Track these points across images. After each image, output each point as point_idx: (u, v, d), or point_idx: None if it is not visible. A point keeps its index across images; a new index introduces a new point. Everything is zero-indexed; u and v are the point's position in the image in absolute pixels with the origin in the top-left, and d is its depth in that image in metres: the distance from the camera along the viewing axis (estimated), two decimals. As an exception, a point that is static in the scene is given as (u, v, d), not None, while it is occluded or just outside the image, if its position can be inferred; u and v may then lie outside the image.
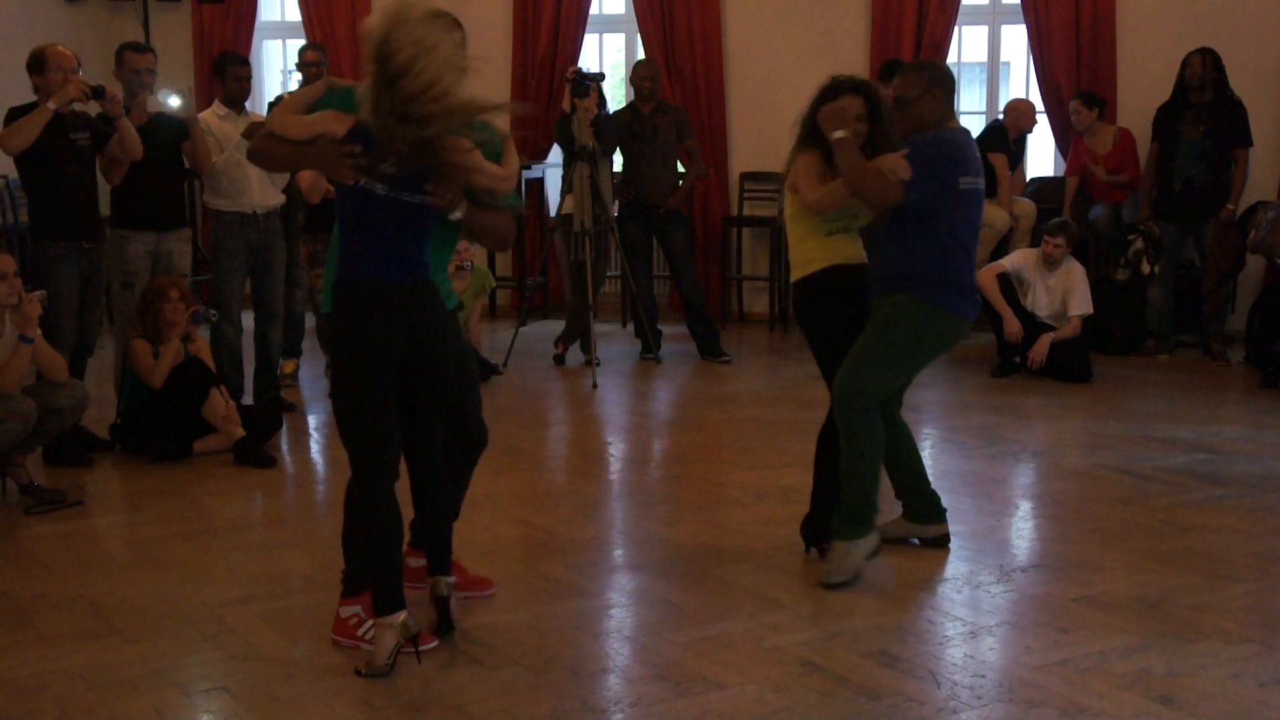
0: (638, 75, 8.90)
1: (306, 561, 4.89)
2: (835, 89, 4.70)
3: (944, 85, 4.73)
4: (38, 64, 6.12)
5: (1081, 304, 8.16)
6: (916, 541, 4.99)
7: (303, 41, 10.60)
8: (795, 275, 4.83)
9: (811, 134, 4.69)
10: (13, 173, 7.14)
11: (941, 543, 4.96)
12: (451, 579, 4.13)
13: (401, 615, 3.82)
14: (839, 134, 4.54)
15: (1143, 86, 9.15)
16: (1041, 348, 8.05)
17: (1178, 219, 8.67)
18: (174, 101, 6.63)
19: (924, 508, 4.98)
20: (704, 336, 8.80)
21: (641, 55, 10.17)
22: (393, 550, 3.86)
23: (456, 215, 3.84)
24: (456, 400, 4.12)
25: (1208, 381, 8.11)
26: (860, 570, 4.58)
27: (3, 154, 6.16)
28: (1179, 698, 3.67)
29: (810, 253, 4.75)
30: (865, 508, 4.60)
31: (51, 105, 5.95)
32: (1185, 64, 8.55)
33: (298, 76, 8.83)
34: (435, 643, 3.99)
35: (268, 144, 3.87)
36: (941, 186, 4.57)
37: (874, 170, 4.55)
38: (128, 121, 6.25)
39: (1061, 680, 3.79)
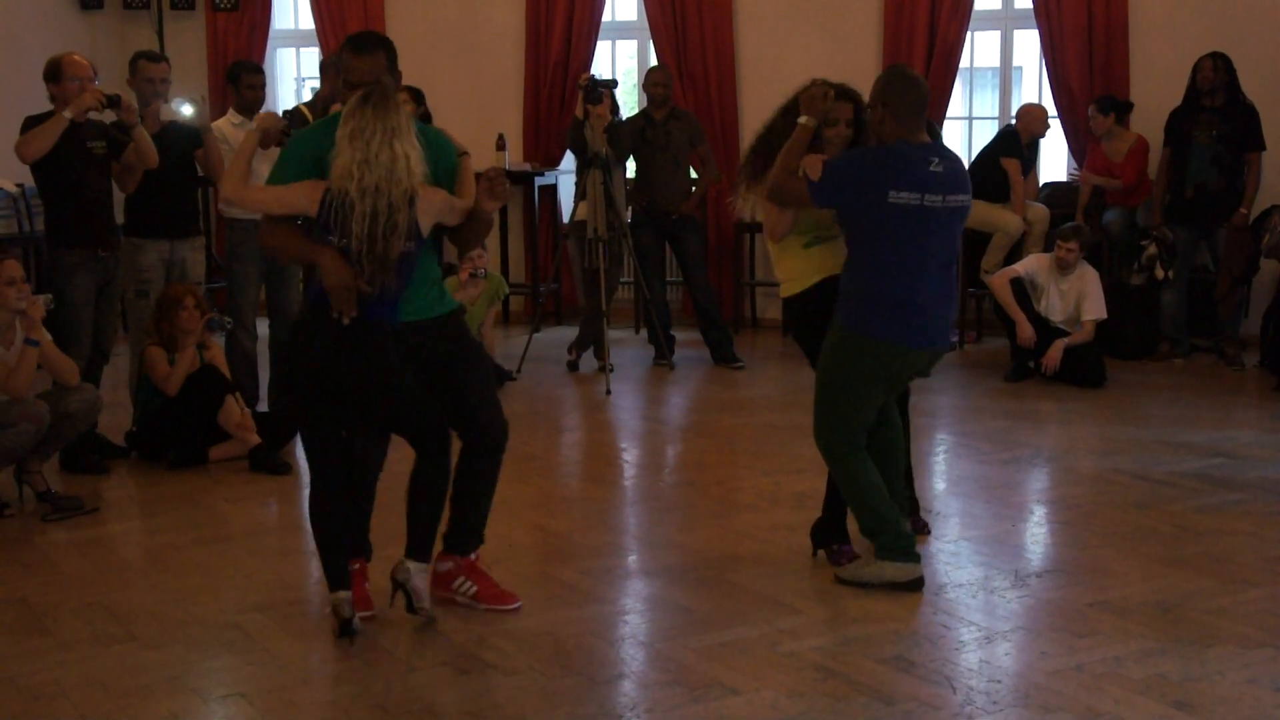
0: (650, 81, 8.92)
1: (321, 568, 4.89)
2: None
3: (895, 99, 4.46)
4: (54, 73, 6.15)
5: (1095, 308, 8.14)
6: None
7: (316, 50, 10.66)
8: (785, 292, 4.80)
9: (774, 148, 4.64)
10: (29, 181, 7.20)
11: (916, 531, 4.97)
12: (418, 565, 4.28)
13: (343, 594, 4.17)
14: (803, 119, 4.52)
15: (1155, 91, 9.13)
16: (1055, 353, 8.04)
17: (1191, 223, 8.65)
18: (187, 110, 6.65)
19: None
20: (717, 342, 8.81)
21: (654, 62, 10.18)
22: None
23: None
24: (465, 392, 4.33)
25: (1222, 386, 8.09)
26: (876, 584, 4.56)
27: (19, 162, 6.19)
28: (1195, 703, 3.67)
29: (794, 269, 4.74)
30: (892, 536, 4.55)
31: (68, 114, 5.98)
32: (1197, 68, 8.53)
33: (312, 85, 8.86)
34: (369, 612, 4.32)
35: (271, 240, 4.22)
36: (861, 200, 4.42)
37: (790, 168, 4.52)
38: (144, 130, 6.28)
39: (1077, 685, 3.79)
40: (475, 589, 4.41)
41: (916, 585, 4.55)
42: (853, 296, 4.51)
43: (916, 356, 4.57)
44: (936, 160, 4.47)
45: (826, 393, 4.56)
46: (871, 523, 4.58)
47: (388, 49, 4.35)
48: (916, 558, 4.59)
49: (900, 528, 4.58)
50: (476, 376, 4.36)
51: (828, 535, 4.88)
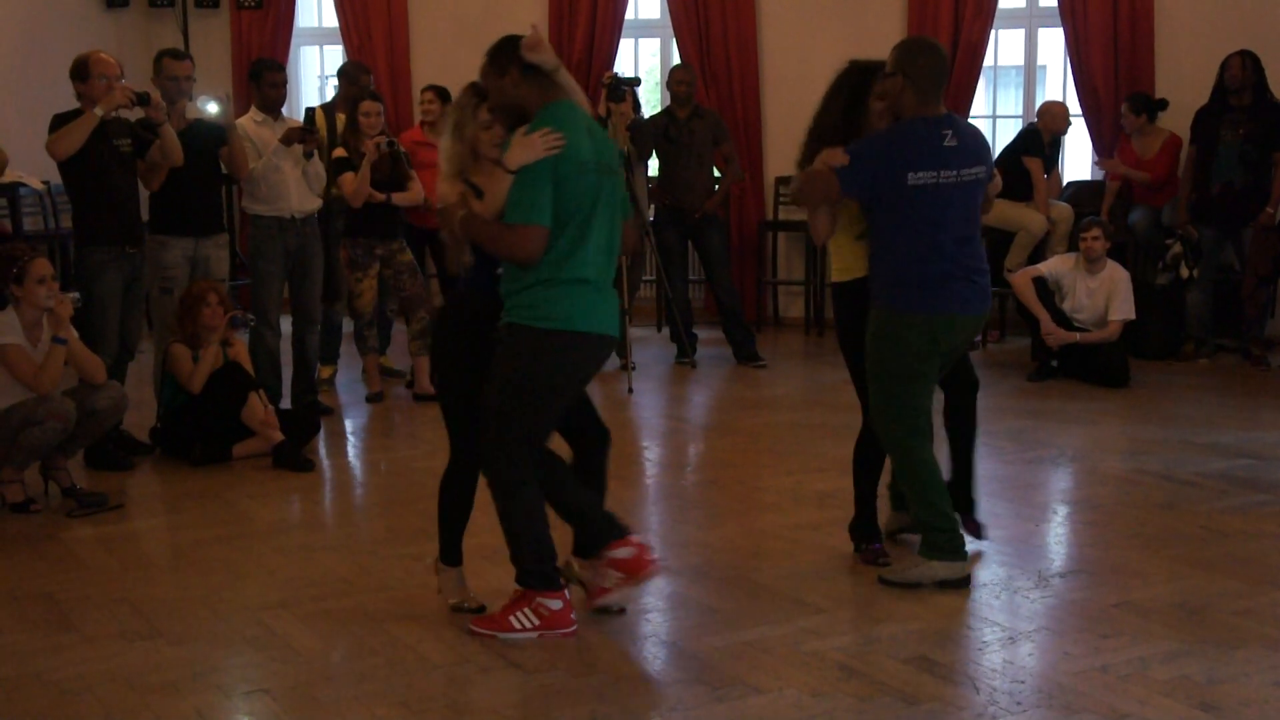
0: (673, 80, 8.92)
1: (345, 564, 4.92)
2: (865, 75, 4.61)
3: (913, 68, 4.42)
4: (81, 71, 6.18)
5: (1124, 308, 8.10)
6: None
7: (340, 48, 10.68)
8: (836, 278, 4.81)
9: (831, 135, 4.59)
10: (55, 179, 7.23)
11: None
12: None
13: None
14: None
15: (1181, 89, 9.08)
16: (1065, 335, 8.00)
17: (1216, 223, 8.61)
18: (212, 108, 6.68)
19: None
20: (739, 341, 8.80)
21: (677, 60, 10.18)
22: None
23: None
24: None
25: (1247, 386, 8.05)
26: (922, 584, 4.54)
27: (45, 160, 6.23)
28: (1220, 704, 3.65)
29: (848, 258, 4.71)
30: (942, 533, 4.54)
31: (98, 111, 6.01)
32: (1224, 66, 8.49)
33: (334, 83, 8.88)
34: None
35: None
36: (883, 182, 4.41)
37: (812, 169, 4.52)
38: (170, 127, 6.30)
39: (1101, 686, 3.77)
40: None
41: (964, 583, 4.55)
42: (887, 280, 4.50)
43: (963, 323, 4.55)
44: (950, 134, 4.46)
45: (881, 381, 4.54)
46: (928, 516, 4.55)
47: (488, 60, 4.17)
48: (966, 555, 4.58)
49: (955, 525, 4.58)
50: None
51: (865, 535, 4.87)
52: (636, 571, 4.14)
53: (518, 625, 4.11)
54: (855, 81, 4.62)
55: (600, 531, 4.17)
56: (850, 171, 4.42)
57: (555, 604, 4.12)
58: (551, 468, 4.14)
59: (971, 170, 4.49)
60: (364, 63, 9.41)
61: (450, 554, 4.38)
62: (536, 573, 4.12)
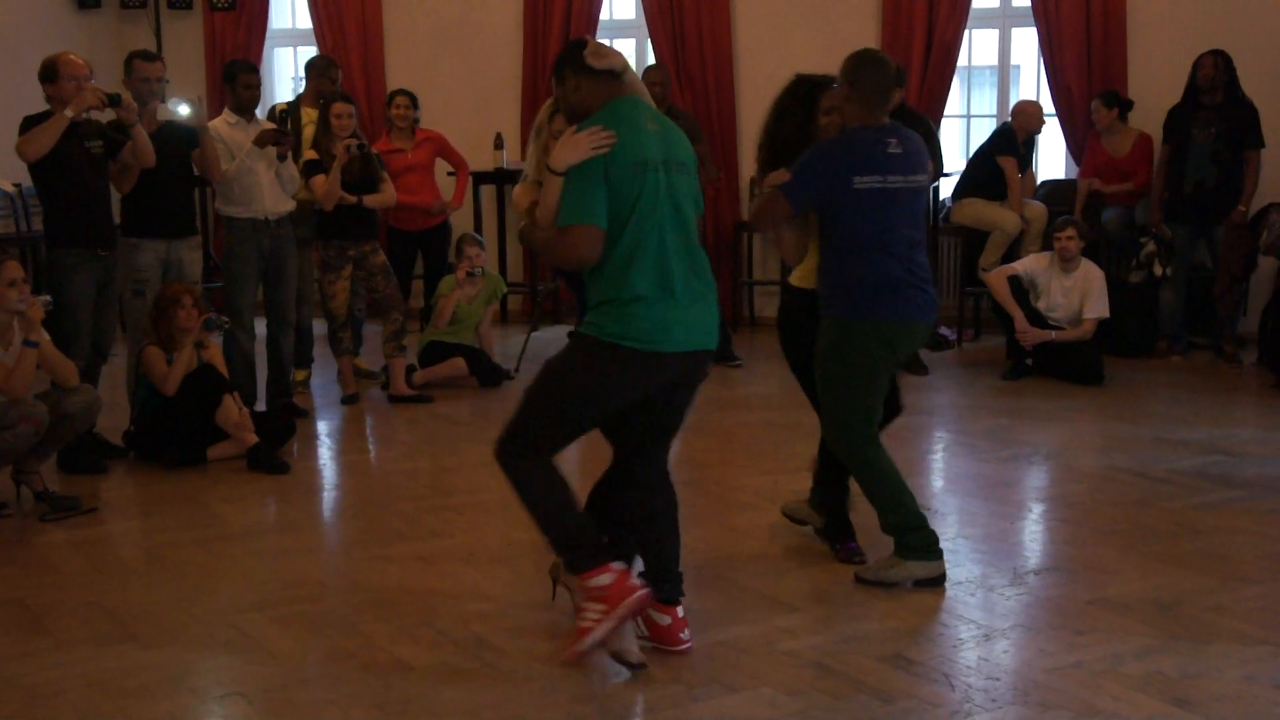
0: (648, 80, 8.87)
1: (320, 567, 4.91)
2: (814, 88, 4.68)
3: (862, 78, 4.50)
4: (50, 73, 6.15)
5: (1098, 307, 8.14)
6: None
7: (314, 49, 10.64)
8: (797, 283, 4.83)
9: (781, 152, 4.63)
10: (26, 181, 7.19)
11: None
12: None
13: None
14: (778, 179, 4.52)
15: (1154, 88, 9.13)
16: (1038, 333, 8.04)
17: (1189, 221, 8.65)
18: (184, 110, 6.65)
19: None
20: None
21: (652, 60, 10.18)
22: None
23: None
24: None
25: (1220, 383, 8.09)
26: (898, 584, 4.56)
27: (15, 162, 6.19)
28: (1193, 700, 3.67)
29: (811, 268, 4.73)
30: (914, 532, 4.57)
31: (69, 113, 5.97)
32: (1196, 65, 8.53)
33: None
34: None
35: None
36: (831, 190, 4.47)
37: (761, 194, 4.64)
38: (142, 129, 6.27)
39: (1075, 683, 3.78)
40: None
41: (940, 580, 4.57)
42: (840, 287, 4.54)
43: (916, 329, 4.63)
44: (895, 141, 4.54)
45: (836, 390, 4.56)
46: (898, 518, 4.58)
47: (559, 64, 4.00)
48: (941, 553, 4.60)
49: (926, 523, 4.60)
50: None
51: (836, 534, 4.90)
52: (616, 601, 3.76)
53: (589, 623, 3.76)
54: (805, 94, 4.68)
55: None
56: (795, 186, 4.48)
57: (604, 578, 3.75)
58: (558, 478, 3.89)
59: (917, 178, 4.59)
60: (334, 59, 9.39)
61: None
62: (571, 560, 3.83)
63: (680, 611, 4.03)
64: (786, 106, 4.70)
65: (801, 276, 4.79)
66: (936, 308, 4.73)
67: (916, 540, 4.56)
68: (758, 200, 4.65)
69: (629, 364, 3.75)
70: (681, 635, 4.01)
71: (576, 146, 3.72)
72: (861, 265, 4.51)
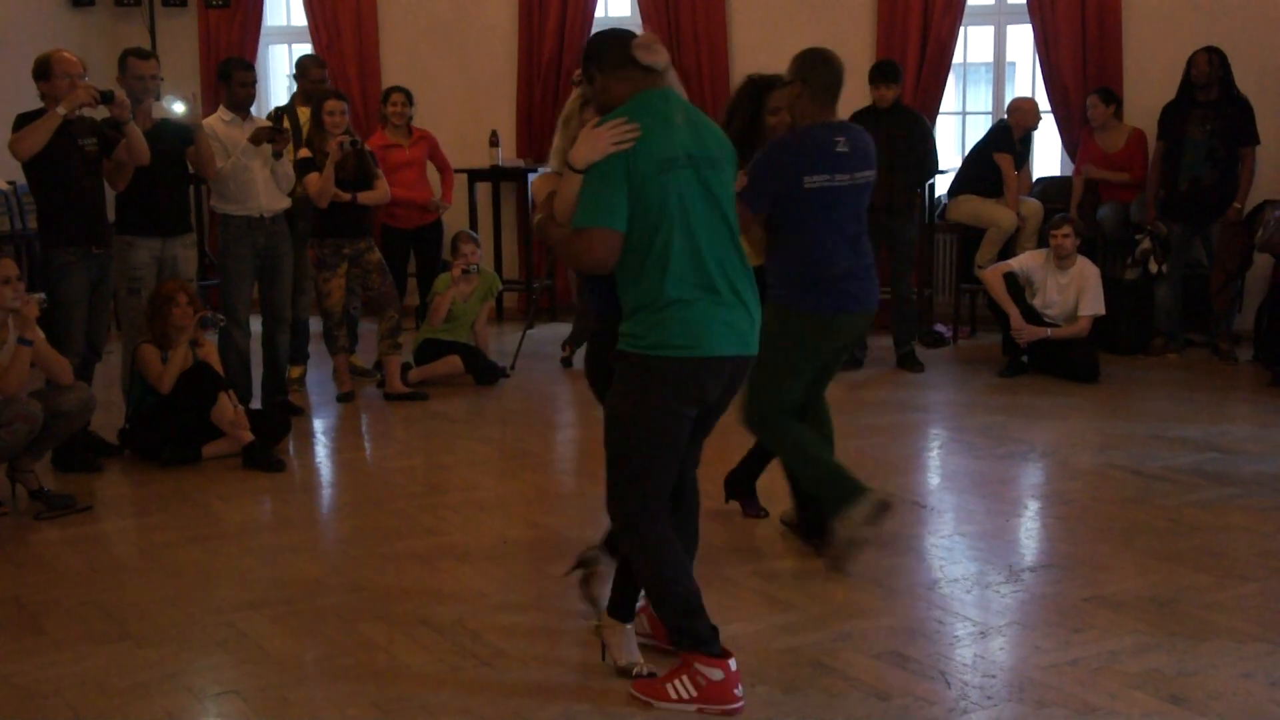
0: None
1: (316, 565, 4.90)
2: (763, 89, 4.83)
3: (811, 77, 4.58)
4: (44, 70, 6.13)
5: (1093, 304, 8.14)
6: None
7: (308, 46, 10.63)
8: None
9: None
10: (20, 179, 7.17)
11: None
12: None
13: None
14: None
15: (1149, 85, 9.13)
16: (1034, 331, 8.05)
17: (1185, 218, 8.65)
18: (179, 107, 6.64)
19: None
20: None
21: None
22: None
23: None
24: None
25: (1215, 381, 8.10)
26: (865, 537, 4.67)
27: (10, 160, 6.17)
28: (1190, 697, 3.67)
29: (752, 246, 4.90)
30: (841, 483, 4.69)
31: (61, 110, 5.96)
32: (1191, 63, 8.53)
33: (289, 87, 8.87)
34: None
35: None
36: (783, 189, 4.60)
37: None
38: (136, 126, 6.26)
39: (1072, 680, 3.79)
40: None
41: (886, 507, 4.67)
42: (785, 277, 4.71)
43: (855, 320, 4.79)
44: (843, 140, 4.68)
45: (769, 370, 4.64)
46: (817, 473, 4.74)
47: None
48: (865, 488, 4.67)
49: (845, 470, 4.74)
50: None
51: (739, 489, 5.31)
52: (712, 700, 3.64)
53: (674, 695, 3.65)
54: (754, 94, 4.83)
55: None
56: (752, 192, 4.57)
57: (715, 674, 3.61)
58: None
59: (863, 174, 4.76)
60: (322, 58, 9.38)
61: (622, 608, 3.94)
62: (685, 631, 3.66)
63: (733, 664, 3.68)
64: (736, 105, 4.87)
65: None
66: (877, 298, 4.89)
67: (846, 490, 4.66)
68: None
69: (679, 374, 3.56)
70: (735, 692, 3.66)
71: (598, 142, 3.51)
72: (806, 259, 4.69)
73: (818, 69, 4.66)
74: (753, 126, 4.77)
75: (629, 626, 3.91)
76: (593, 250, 3.53)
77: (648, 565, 3.66)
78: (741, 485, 5.36)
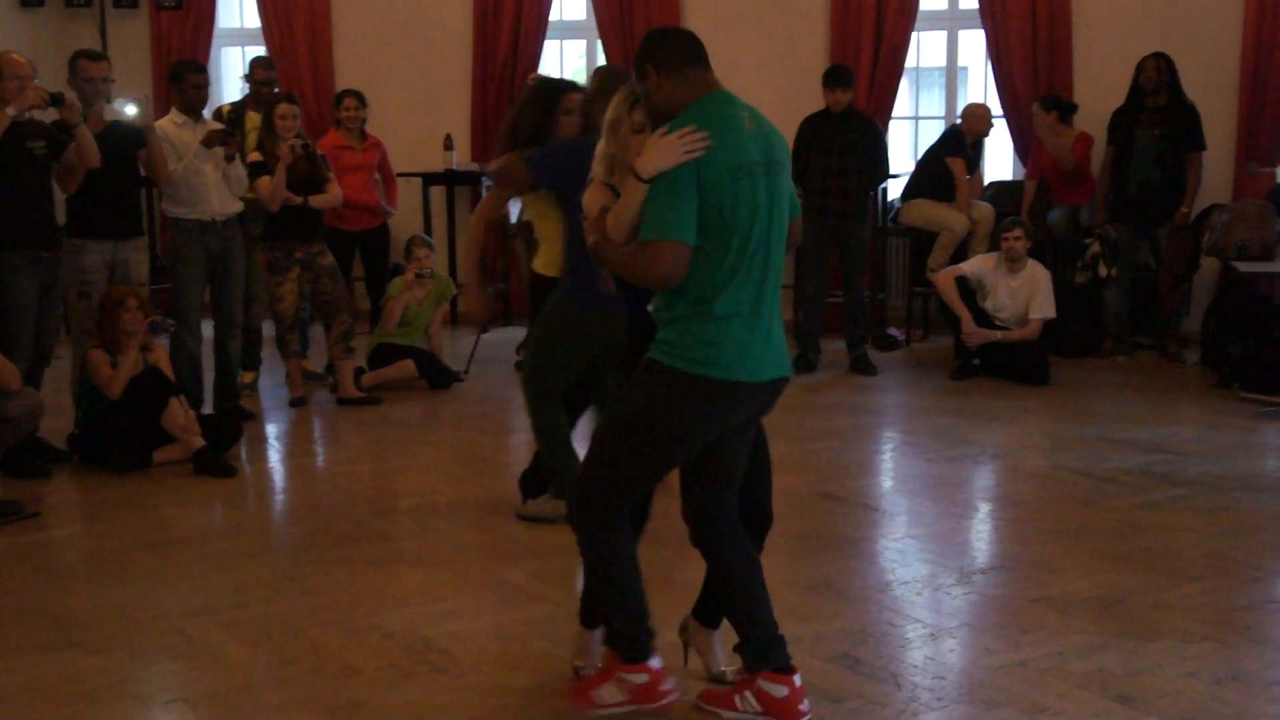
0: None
1: (267, 571, 4.88)
2: (556, 91, 5.26)
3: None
4: (-9, 72, 6.07)
5: (1044, 307, 8.21)
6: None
7: (262, 49, 10.57)
8: (541, 270, 5.32)
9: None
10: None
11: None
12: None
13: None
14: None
15: (1099, 91, 9.22)
16: (983, 334, 8.11)
17: (1133, 222, 8.74)
18: (131, 110, 6.59)
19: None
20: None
21: (602, 61, 10.18)
22: None
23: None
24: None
25: (1164, 383, 8.18)
26: (550, 518, 5.19)
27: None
28: (1137, 696, 3.71)
29: (551, 256, 5.25)
30: (563, 476, 5.09)
31: (10, 112, 5.90)
32: (1139, 68, 8.62)
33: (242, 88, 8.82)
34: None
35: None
36: (568, 184, 4.74)
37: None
38: (86, 129, 6.21)
39: (1021, 681, 3.82)
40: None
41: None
42: (574, 275, 4.93)
43: (608, 320, 4.81)
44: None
45: (544, 354, 5.12)
46: (557, 461, 5.19)
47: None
48: None
49: (572, 466, 5.01)
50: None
51: (533, 486, 5.53)
52: (642, 700, 3.60)
53: (608, 699, 3.59)
54: (547, 95, 5.25)
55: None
56: (538, 167, 4.95)
57: (640, 677, 3.56)
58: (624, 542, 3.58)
59: None
60: (275, 60, 9.33)
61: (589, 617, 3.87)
62: (626, 635, 3.58)
63: (798, 680, 3.60)
64: (528, 105, 5.25)
65: (544, 264, 5.30)
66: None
67: (559, 483, 5.13)
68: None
69: (715, 396, 3.38)
70: (801, 708, 3.58)
71: (669, 150, 3.30)
72: (587, 259, 4.73)
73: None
74: (543, 127, 5.13)
75: (715, 632, 3.83)
76: (661, 263, 3.29)
77: (606, 573, 3.55)
78: (537, 482, 5.56)
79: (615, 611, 3.59)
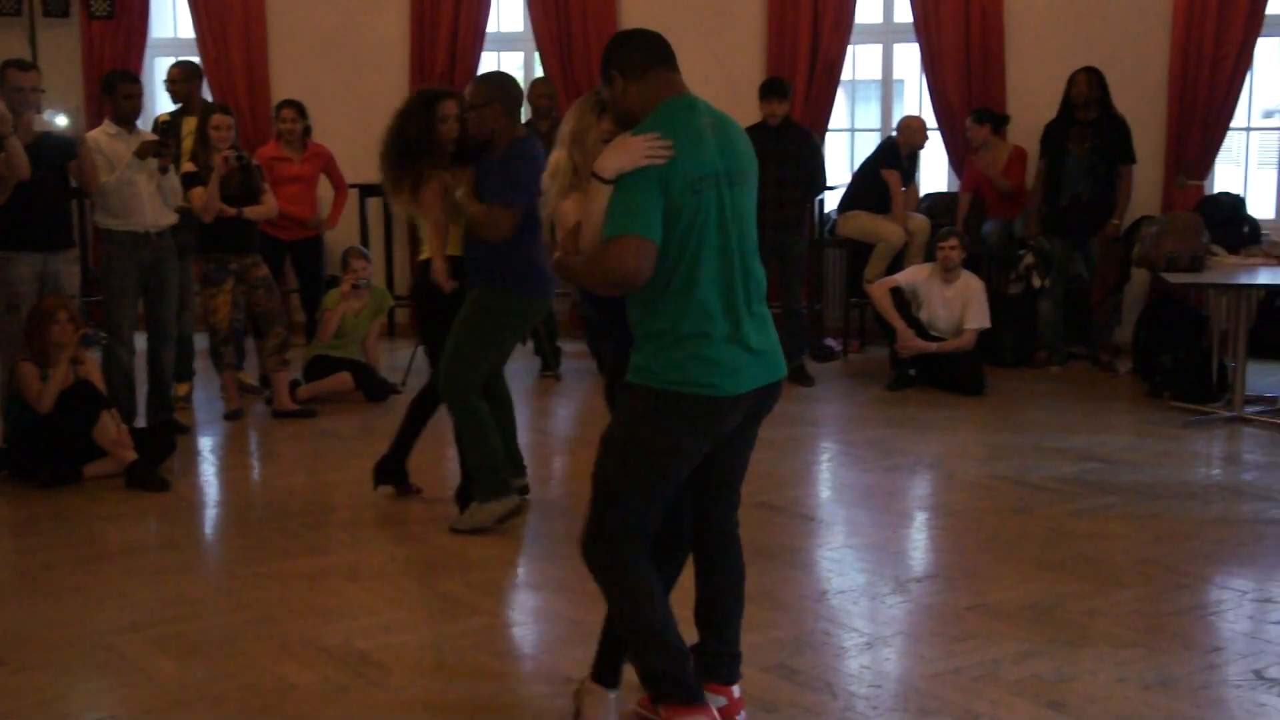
0: (535, 93, 8.91)
1: (200, 586, 4.82)
2: (432, 100, 5.48)
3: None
4: (-82, 82, 5.98)
5: (978, 317, 8.29)
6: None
7: (197, 60, 10.47)
8: (438, 257, 5.42)
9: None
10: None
11: (523, 492, 5.71)
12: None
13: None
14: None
15: (1031, 104, 9.33)
16: (917, 342, 8.19)
17: (1066, 234, 8.85)
18: (61, 121, 6.52)
19: (509, 462, 5.58)
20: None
21: (539, 73, 10.18)
22: None
23: None
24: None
25: (1097, 392, 8.29)
26: (488, 528, 5.29)
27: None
28: (1068, 702, 3.75)
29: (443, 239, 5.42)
30: (495, 473, 5.33)
31: (-66, 124, 5.82)
32: (1071, 82, 8.74)
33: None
34: None
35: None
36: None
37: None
38: (15, 140, 6.12)
39: (955, 688, 3.85)
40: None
41: (519, 512, 5.42)
42: (498, 265, 5.17)
43: (544, 305, 5.49)
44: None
45: (470, 344, 5.23)
46: (481, 459, 5.31)
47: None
48: (511, 490, 5.41)
49: (501, 468, 5.37)
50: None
51: (388, 475, 5.84)
52: None
53: None
54: (426, 104, 5.46)
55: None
56: (517, 193, 5.10)
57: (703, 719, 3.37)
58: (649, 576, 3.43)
59: None
60: (203, 69, 9.25)
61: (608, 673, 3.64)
62: (670, 678, 3.37)
63: (737, 691, 3.59)
64: (409, 114, 5.46)
65: (437, 249, 5.43)
66: (554, 286, 5.51)
67: (492, 479, 5.31)
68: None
69: (695, 413, 3.30)
70: (738, 718, 3.58)
71: (631, 151, 3.23)
72: (516, 247, 5.15)
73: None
74: (426, 133, 5.36)
75: (612, 695, 3.59)
76: (624, 260, 3.18)
77: (631, 608, 3.38)
78: (392, 469, 5.85)
79: (651, 652, 3.38)
